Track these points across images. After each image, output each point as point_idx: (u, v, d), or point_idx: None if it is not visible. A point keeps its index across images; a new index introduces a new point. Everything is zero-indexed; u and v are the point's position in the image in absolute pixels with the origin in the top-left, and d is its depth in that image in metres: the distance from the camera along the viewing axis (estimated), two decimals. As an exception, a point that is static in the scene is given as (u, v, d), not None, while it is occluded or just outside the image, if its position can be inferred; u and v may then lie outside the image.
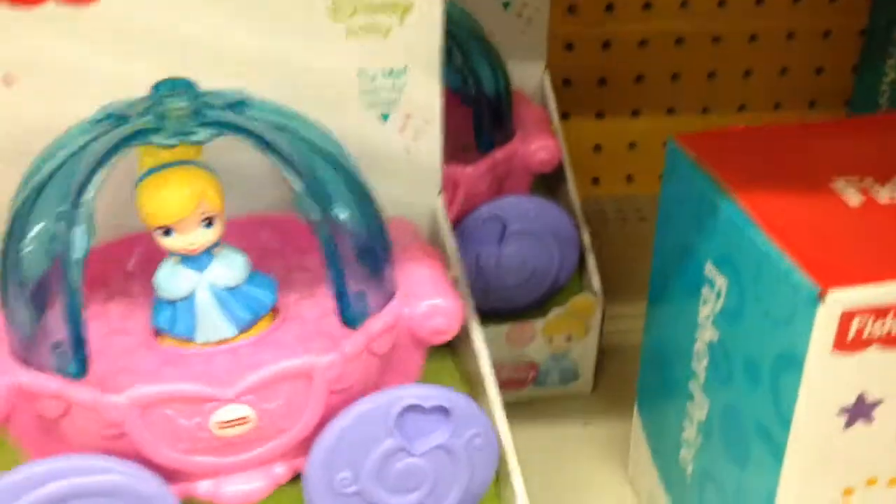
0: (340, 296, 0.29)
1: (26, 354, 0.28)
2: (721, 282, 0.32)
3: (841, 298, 0.26)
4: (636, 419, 0.42)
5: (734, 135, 0.34)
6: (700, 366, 0.34)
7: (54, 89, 0.31)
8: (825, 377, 0.27)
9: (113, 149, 0.26)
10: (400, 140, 0.35)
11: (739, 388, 0.31)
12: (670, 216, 0.36)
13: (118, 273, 0.34)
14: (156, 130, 0.27)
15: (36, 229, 0.27)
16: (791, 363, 0.28)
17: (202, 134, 0.27)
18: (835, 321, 0.26)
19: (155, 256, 0.32)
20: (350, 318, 0.29)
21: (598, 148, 0.66)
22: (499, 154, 0.44)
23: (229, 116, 0.28)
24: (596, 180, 0.67)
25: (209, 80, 0.30)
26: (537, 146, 0.44)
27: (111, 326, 0.32)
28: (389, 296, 0.30)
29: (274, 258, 0.35)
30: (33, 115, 0.31)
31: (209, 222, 0.29)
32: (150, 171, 0.28)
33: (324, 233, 0.28)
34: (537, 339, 0.47)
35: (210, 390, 0.28)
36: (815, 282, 0.26)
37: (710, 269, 0.32)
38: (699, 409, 0.35)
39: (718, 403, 0.33)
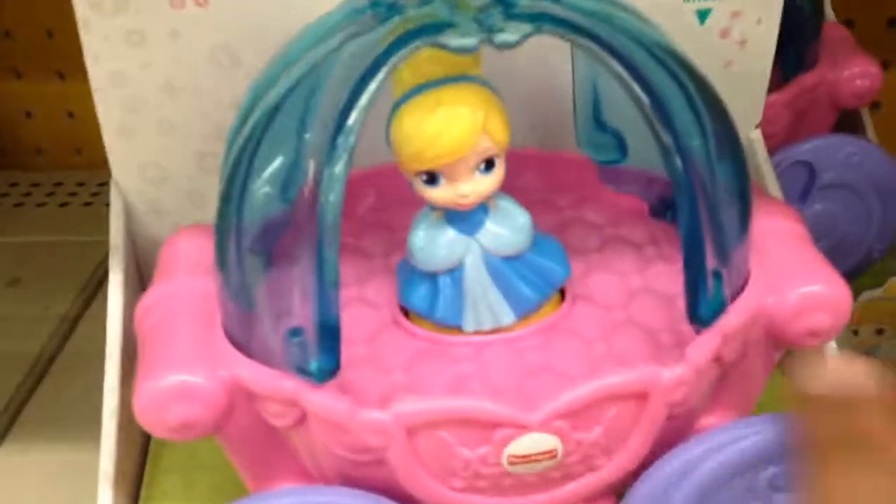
0: (696, 278, 0.21)
1: (247, 336, 0.21)
2: None
3: None
4: None
5: None
6: None
7: (245, 5, 0.26)
8: None
9: (385, 53, 0.19)
10: (720, 47, 0.27)
11: None
12: None
13: (347, 221, 0.27)
14: (448, 26, 0.19)
15: (271, 167, 0.20)
16: None
17: (515, 31, 0.19)
18: None
19: (394, 197, 0.25)
20: (705, 312, 0.21)
21: (876, 105, 0.56)
22: (806, 79, 0.36)
23: (544, 6, 0.20)
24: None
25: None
26: (853, 72, 0.37)
27: (346, 294, 0.24)
28: (744, 277, 0.22)
29: (541, 209, 0.26)
30: (227, 34, 0.26)
31: (489, 165, 0.21)
32: (414, 92, 0.21)
33: (679, 174, 0.20)
34: (838, 330, 0.38)
35: (510, 412, 0.20)
36: None
37: None
38: None
39: None
